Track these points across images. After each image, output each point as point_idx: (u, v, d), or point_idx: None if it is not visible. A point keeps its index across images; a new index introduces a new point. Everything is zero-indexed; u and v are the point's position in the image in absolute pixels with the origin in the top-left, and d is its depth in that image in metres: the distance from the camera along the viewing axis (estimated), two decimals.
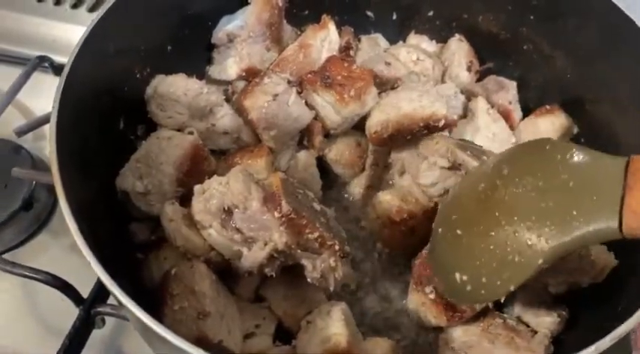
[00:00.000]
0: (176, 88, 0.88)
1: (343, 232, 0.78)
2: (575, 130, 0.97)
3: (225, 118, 0.91)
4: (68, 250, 1.03)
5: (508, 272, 0.63)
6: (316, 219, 0.71)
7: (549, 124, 0.94)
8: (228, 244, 0.72)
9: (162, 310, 0.67)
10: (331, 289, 0.73)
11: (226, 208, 0.71)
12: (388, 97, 0.88)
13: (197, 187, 0.74)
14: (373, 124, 0.87)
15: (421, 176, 0.83)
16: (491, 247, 0.64)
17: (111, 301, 0.90)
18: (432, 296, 0.78)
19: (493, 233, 0.64)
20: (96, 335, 0.89)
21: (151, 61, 0.90)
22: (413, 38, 1.10)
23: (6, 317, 0.95)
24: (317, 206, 0.75)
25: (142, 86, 0.90)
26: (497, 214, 0.64)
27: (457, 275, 0.68)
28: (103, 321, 0.91)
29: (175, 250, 0.75)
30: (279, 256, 0.70)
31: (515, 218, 0.62)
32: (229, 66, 0.97)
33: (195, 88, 0.88)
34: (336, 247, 0.70)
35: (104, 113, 0.81)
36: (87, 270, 0.95)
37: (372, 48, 1.05)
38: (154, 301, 0.72)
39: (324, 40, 0.98)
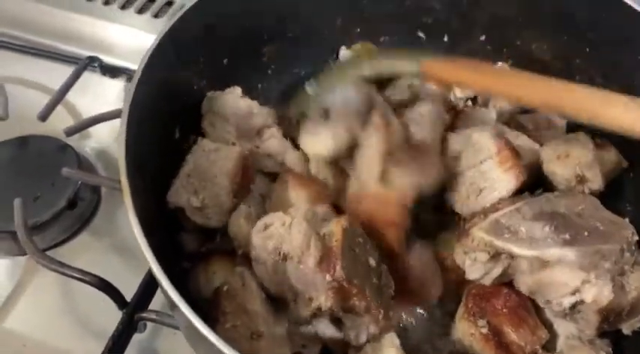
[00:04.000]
0: (227, 107, 0.89)
1: (392, 288, 0.77)
2: (625, 164, 0.96)
3: (271, 140, 0.92)
4: (109, 251, 1.05)
5: None
6: (367, 282, 0.71)
7: (599, 159, 0.94)
8: (275, 286, 0.73)
9: (214, 327, 0.68)
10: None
11: (282, 254, 0.71)
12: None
13: (259, 223, 0.74)
14: None
15: (468, 273, 0.82)
16: None
17: (152, 306, 0.92)
18: (484, 331, 0.78)
19: None
20: (134, 338, 0.90)
21: (207, 73, 0.91)
22: None
23: (45, 314, 0.97)
24: (372, 261, 0.74)
25: (198, 97, 0.91)
26: None
27: None
28: (145, 325, 0.92)
29: (225, 264, 0.75)
30: (321, 314, 0.70)
31: None
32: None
33: (245, 108, 0.89)
34: (380, 317, 0.70)
35: (164, 123, 0.82)
36: (126, 271, 0.99)
37: None
38: (200, 312, 0.72)
39: None
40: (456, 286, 0.86)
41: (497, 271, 0.80)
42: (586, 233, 0.76)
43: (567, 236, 0.76)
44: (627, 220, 0.82)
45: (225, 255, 0.82)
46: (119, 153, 0.66)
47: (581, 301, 0.76)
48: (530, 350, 0.79)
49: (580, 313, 0.79)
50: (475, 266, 0.80)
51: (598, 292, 0.73)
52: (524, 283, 0.79)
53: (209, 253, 0.81)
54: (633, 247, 0.78)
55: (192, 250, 0.84)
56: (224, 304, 0.69)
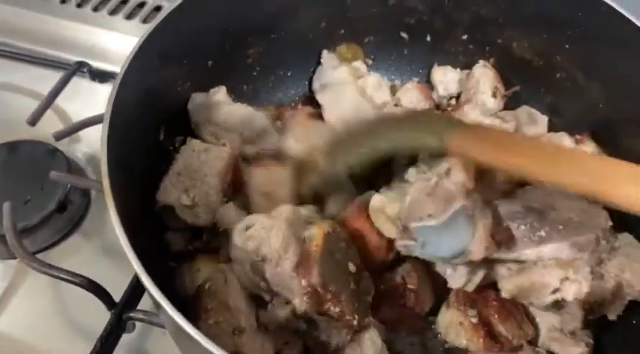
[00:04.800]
0: (229, 117, 0.91)
1: (371, 294, 0.77)
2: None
3: (272, 141, 0.95)
4: (99, 253, 1.06)
5: None
6: (344, 288, 0.71)
7: None
8: (253, 286, 0.73)
9: (196, 324, 0.68)
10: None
11: (261, 256, 0.72)
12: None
13: (241, 224, 0.75)
14: None
15: (450, 282, 0.81)
16: None
17: (141, 306, 0.93)
18: (474, 320, 0.79)
19: None
20: (124, 338, 0.91)
21: (192, 74, 0.92)
22: (438, 70, 1.11)
23: (36, 316, 0.98)
24: (352, 267, 0.74)
25: (182, 99, 0.92)
26: None
27: None
28: (134, 325, 0.93)
29: (210, 262, 0.76)
30: (298, 318, 0.71)
31: None
32: None
33: (245, 114, 0.92)
34: (354, 323, 0.71)
35: (148, 124, 0.83)
36: (115, 273, 1.00)
37: None
38: (186, 310, 0.73)
39: None
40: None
41: (478, 277, 0.81)
42: (560, 227, 0.77)
43: (542, 233, 0.76)
44: (600, 205, 0.82)
45: (210, 253, 0.83)
46: (102, 155, 0.68)
47: (563, 299, 0.77)
48: (517, 344, 0.80)
49: (564, 308, 0.80)
50: (457, 274, 0.81)
51: (578, 289, 0.74)
52: (505, 288, 0.80)
53: (195, 251, 0.82)
54: (608, 233, 0.78)
55: (179, 249, 0.85)
56: (206, 300, 0.70)
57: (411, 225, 0.74)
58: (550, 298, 0.75)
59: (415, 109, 1.06)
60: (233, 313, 0.69)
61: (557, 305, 0.78)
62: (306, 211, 0.79)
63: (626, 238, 0.86)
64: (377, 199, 0.80)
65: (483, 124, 0.97)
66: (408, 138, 0.80)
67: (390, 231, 0.79)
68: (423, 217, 0.73)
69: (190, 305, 0.72)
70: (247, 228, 0.73)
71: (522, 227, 0.76)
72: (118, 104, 0.71)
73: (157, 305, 0.64)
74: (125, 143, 0.74)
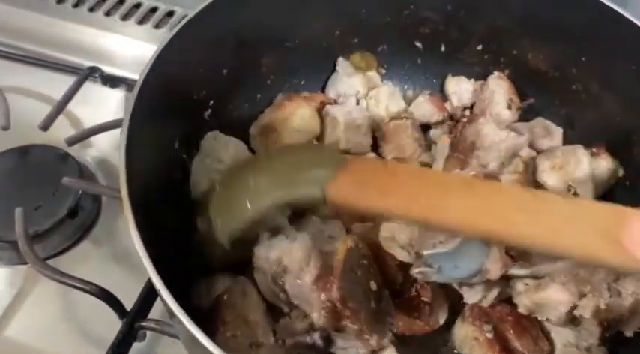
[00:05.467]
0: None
1: (393, 317, 0.76)
2: (621, 172, 0.97)
3: None
4: (109, 260, 1.05)
5: None
6: (364, 305, 0.70)
7: (595, 167, 0.94)
8: (273, 296, 0.73)
9: (213, 336, 0.68)
10: None
11: (282, 266, 0.71)
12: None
13: (266, 233, 0.74)
14: None
15: (466, 297, 0.80)
16: None
17: (152, 315, 0.93)
18: (489, 335, 0.79)
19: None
20: (133, 347, 0.90)
21: (207, 83, 0.92)
22: (451, 80, 1.11)
23: (45, 323, 0.97)
24: (374, 285, 0.74)
25: (198, 108, 0.92)
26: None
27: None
28: (145, 334, 0.93)
29: (227, 273, 0.76)
30: (314, 330, 0.70)
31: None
32: None
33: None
34: (372, 342, 0.69)
35: (164, 132, 0.83)
36: (125, 280, 0.99)
37: None
38: (201, 322, 0.72)
39: None
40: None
41: (493, 293, 0.81)
42: None
43: None
44: None
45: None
46: (120, 163, 0.67)
47: (581, 315, 0.76)
48: None
49: (581, 324, 0.79)
50: (473, 290, 0.80)
51: (596, 305, 0.73)
52: (522, 303, 0.79)
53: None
54: None
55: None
56: (224, 312, 0.69)
57: (425, 253, 0.73)
58: (567, 315, 0.75)
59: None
60: (251, 326, 0.68)
61: (574, 321, 0.78)
62: (331, 225, 0.79)
63: None
64: (386, 229, 0.79)
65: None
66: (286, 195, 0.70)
67: (404, 257, 0.79)
68: (435, 243, 0.72)
69: (207, 317, 0.71)
70: (271, 236, 0.73)
71: None
72: (136, 113, 0.71)
73: (172, 315, 0.64)
74: (142, 152, 0.73)
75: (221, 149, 0.89)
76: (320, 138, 1.02)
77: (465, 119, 1.04)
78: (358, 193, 0.66)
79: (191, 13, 0.85)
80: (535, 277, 0.76)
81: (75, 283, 0.89)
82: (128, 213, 0.63)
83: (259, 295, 0.73)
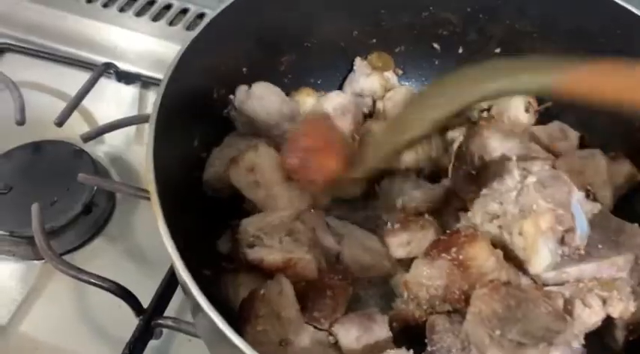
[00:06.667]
0: None
1: None
2: (639, 177, 0.97)
3: None
4: (122, 256, 1.05)
5: None
6: None
7: (613, 171, 0.94)
8: None
9: (244, 328, 0.68)
10: None
11: None
12: None
13: None
14: None
15: None
16: None
17: (168, 312, 0.93)
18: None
19: None
20: (149, 344, 0.90)
21: (227, 81, 0.92)
22: None
23: (59, 319, 0.97)
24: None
25: (217, 106, 0.92)
26: None
27: None
28: (161, 332, 0.93)
29: (253, 276, 0.76)
30: None
31: None
32: None
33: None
34: None
35: (186, 131, 0.83)
36: (139, 276, 0.99)
37: None
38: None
39: None
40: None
41: None
42: (600, 246, 0.77)
43: (582, 251, 0.76)
44: (636, 225, 0.82)
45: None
46: (147, 162, 0.67)
47: (609, 316, 0.76)
48: None
49: (606, 329, 0.79)
50: None
51: (625, 308, 0.73)
52: None
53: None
54: None
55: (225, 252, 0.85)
56: (258, 305, 0.69)
57: None
58: (595, 318, 0.75)
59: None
60: (283, 323, 0.68)
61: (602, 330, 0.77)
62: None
63: None
64: None
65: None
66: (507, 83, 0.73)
67: None
68: None
69: (238, 310, 0.72)
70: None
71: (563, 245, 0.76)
72: (162, 110, 0.71)
73: (197, 310, 0.64)
74: (164, 151, 0.73)
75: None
76: None
77: (481, 121, 1.04)
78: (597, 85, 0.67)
79: (212, 13, 0.86)
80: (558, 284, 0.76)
81: (92, 280, 0.89)
82: (157, 211, 0.63)
83: (295, 297, 0.73)
